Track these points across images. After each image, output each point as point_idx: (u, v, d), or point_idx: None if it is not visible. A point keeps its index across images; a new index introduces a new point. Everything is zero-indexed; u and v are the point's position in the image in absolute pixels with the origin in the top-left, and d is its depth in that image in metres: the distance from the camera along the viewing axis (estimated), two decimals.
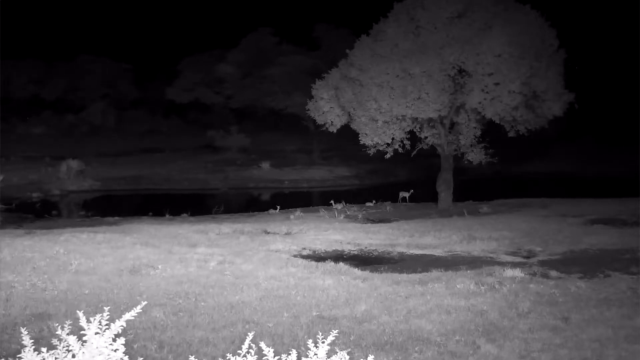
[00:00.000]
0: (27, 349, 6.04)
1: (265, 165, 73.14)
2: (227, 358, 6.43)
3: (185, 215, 40.79)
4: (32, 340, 6.18)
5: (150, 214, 41.32)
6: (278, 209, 42.38)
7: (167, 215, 40.21)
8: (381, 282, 18.30)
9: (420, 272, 20.13)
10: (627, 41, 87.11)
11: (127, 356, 6.24)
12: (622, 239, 26.35)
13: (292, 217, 37.87)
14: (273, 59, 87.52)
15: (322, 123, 44.37)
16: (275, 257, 22.80)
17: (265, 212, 42.53)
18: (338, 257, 23.76)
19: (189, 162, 77.06)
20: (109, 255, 21.62)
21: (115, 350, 6.14)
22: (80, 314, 6.42)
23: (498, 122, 40.26)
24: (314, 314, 14.84)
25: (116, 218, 38.51)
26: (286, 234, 30.13)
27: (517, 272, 18.89)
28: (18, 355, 6.22)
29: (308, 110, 45.26)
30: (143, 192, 62.02)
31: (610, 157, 76.64)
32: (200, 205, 50.78)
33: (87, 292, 16.61)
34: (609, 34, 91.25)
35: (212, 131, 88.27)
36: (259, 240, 27.33)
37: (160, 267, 19.79)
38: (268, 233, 30.32)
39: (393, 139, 41.46)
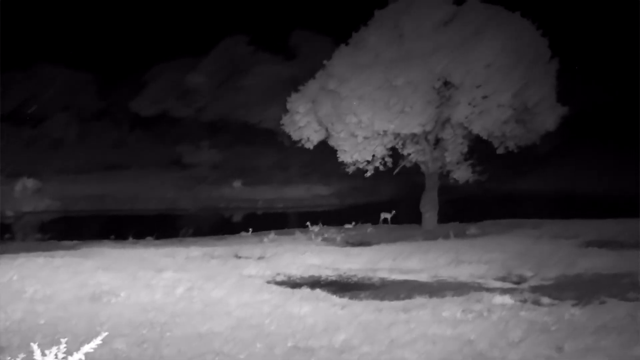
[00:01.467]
0: None
1: (238, 183, 73.03)
2: None
3: (150, 238, 40.57)
4: None
5: (113, 237, 41.02)
6: (250, 231, 42.22)
7: (131, 239, 39.97)
8: (362, 309, 18.27)
9: (403, 298, 20.14)
10: (624, 49, 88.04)
11: None
12: (620, 262, 26.38)
13: (265, 239, 37.71)
14: (247, 69, 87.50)
15: (298, 139, 44.25)
16: (248, 282, 22.74)
17: (237, 234, 42.39)
18: (315, 282, 23.73)
19: (156, 179, 76.71)
20: (67, 282, 21.43)
21: None
22: (34, 346, 6.35)
23: (486, 137, 40.37)
24: (290, 344, 14.78)
25: (75, 241, 38.17)
26: (259, 258, 30.04)
27: (507, 299, 18.94)
28: None
29: (283, 124, 45.13)
30: (106, 213, 61.73)
31: (607, 174, 77.09)
32: (168, 227, 50.54)
33: (43, 322, 16.46)
34: (603, 41, 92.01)
35: (181, 146, 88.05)
36: (231, 265, 27.25)
37: (123, 294, 19.67)
38: (240, 257, 30.23)
39: (374, 155, 41.39)
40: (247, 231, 42.38)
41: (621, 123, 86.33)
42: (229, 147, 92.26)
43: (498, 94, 38.07)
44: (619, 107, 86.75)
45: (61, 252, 31.11)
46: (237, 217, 62.14)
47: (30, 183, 63.32)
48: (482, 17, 40.17)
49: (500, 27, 39.48)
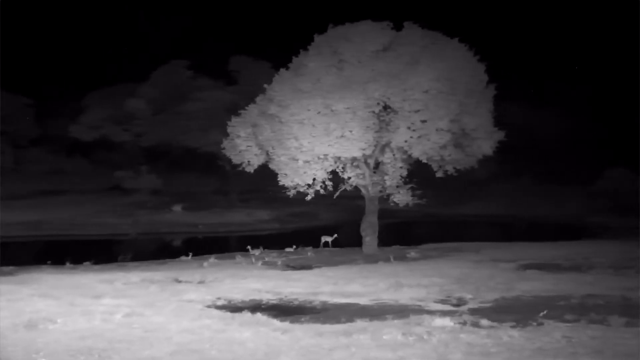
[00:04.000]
0: None
1: (178, 208, 72.54)
2: None
3: (87, 263, 39.96)
4: None
5: (49, 262, 40.31)
6: (190, 256, 41.89)
7: (68, 264, 39.35)
8: (303, 333, 18.18)
9: (344, 322, 20.08)
10: (563, 76, 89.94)
11: None
12: (557, 285, 26.82)
13: (205, 264, 37.57)
14: (187, 94, 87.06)
15: (239, 163, 44.25)
16: (189, 307, 22.52)
17: (177, 259, 42.02)
18: (256, 307, 23.58)
19: (96, 205, 75.91)
20: (3, 309, 21.01)
21: None
22: None
23: (425, 161, 40.77)
24: None
25: (12, 267, 37.42)
26: (200, 282, 29.83)
27: (447, 321, 18.99)
28: None
29: (224, 148, 45.12)
30: (44, 239, 60.72)
31: (547, 199, 78.18)
32: (107, 252, 49.87)
33: None
34: (543, 66, 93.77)
35: (120, 172, 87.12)
36: (171, 290, 26.99)
37: (60, 320, 19.31)
38: (180, 282, 29.99)
39: (314, 179, 41.46)
40: (187, 255, 42.05)
41: (561, 151, 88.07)
42: (170, 172, 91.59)
43: (436, 119, 38.53)
44: (559, 136, 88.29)
45: None
46: (177, 242, 61.65)
47: None
48: (420, 43, 40.70)
49: (438, 54, 40.06)
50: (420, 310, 21.91)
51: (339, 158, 41.03)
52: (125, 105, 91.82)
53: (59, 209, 72.42)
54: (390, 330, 17.96)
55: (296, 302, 24.91)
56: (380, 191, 42.89)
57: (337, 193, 43.56)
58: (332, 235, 46.75)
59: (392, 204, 43.69)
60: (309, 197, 42.40)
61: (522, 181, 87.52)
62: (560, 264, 33.65)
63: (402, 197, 42.60)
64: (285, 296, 26.04)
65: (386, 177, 42.17)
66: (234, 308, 23.19)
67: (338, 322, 20.17)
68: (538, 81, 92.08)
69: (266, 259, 39.51)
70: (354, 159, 41.56)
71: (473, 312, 21.55)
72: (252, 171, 44.43)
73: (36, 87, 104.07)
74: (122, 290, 26.71)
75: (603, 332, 17.66)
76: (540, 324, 19.13)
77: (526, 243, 44.17)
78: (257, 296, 26.04)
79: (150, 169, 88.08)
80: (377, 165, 42.83)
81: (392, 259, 37.80)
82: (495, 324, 19.17)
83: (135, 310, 21.28)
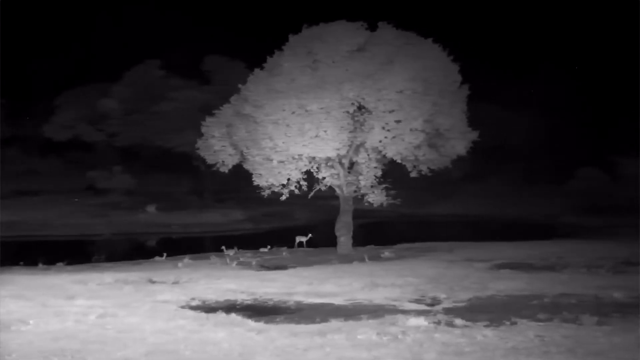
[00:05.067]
0: None
1: (152, 208, 72.25)
2: None
3: (61, 264, 39.72)
4: None
5: (22, 263, 40.01)
6: (165, 256, 41.72)
7: (41, 265, 39.12)
8: (278, 333, 18.18)
9: (319, 322, 20.11)
10: (537, 76, 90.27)
11: None
12: (530, 284, 26.99)
13: (180, 264, 37.48)
14: (162, 94, 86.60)
15: (213, 163, 44.18)
16: (163, 308, 22.46)
17: (151, 259, 41.85)
18: (231, 307, 23.55)
19: (69, 205, 75.33)
20: None
21: None
22: None
23: (400, 161, 40.87)
24: None
25: None
26: (174, 283, 29.76)
27: (422, 321, 19.07)
28: None
29: (198, 149, 45.02)
30: (17, 239, 60.23)
31: (521, 199, 78.43)
32: (81, 253, 49.59)
33: None
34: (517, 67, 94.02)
35: (94, 172, 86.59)
36: (145, 291, 26.90)
37: (33, 322, 19.20)
38: (154, 282, 29.89)
39: (289, 179, 41.46)
40: (162, 256, 41.88)
41: (534, 151, 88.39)
42: (144, 172, 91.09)
43: (411, 119, 38.67)
44: (533, 136, 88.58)
45: None
46: (151, 242, 61.37)
47: None
48: (394, 44, 40.78)
49: (412, 54, 40.18)
50: (394, 310, 21.98)
51: (313, 158, 41.04)
52: (98, 105, 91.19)
53: (32, 209, 71.84)
54: (365, 330, 18.00)
55: (271, 303, 24.90)
56: (355, 191, 42.92)
57: (312, 193, 43.55)
58: (306, 235, 46.68)
59: (366, 204, 43.71)
60: (283, 197, 42.41)
61: (495, 181, 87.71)
62: (534, 264, 33.84)
63: (377, 197, 42.66)
64: (260, 296, 26.02)
65: (360, 177, 42.23)
66: (208, 308, 23.15)
67: (313, 322, 20.20)
68: (511, 81, 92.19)
69: (241, 259, 39.42)
70: (328, 159, 41.56)
71: (447, 311, 21.63)
72: (226, 171, 44.38)
73: (8, 87, 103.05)
74: (95, 291, 26.60)
75: (575, 331, 17.79)
76: (514, 323, 19.23)
77: (500, 243, 44.34)
78: (231, 296, 26.00)
79: (124, 169, 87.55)
80: (352, 165, 42.87)
81: (366, 259, 37.84)
82: (469, 323, 19.26)
83: (109, 311, 21.21)
